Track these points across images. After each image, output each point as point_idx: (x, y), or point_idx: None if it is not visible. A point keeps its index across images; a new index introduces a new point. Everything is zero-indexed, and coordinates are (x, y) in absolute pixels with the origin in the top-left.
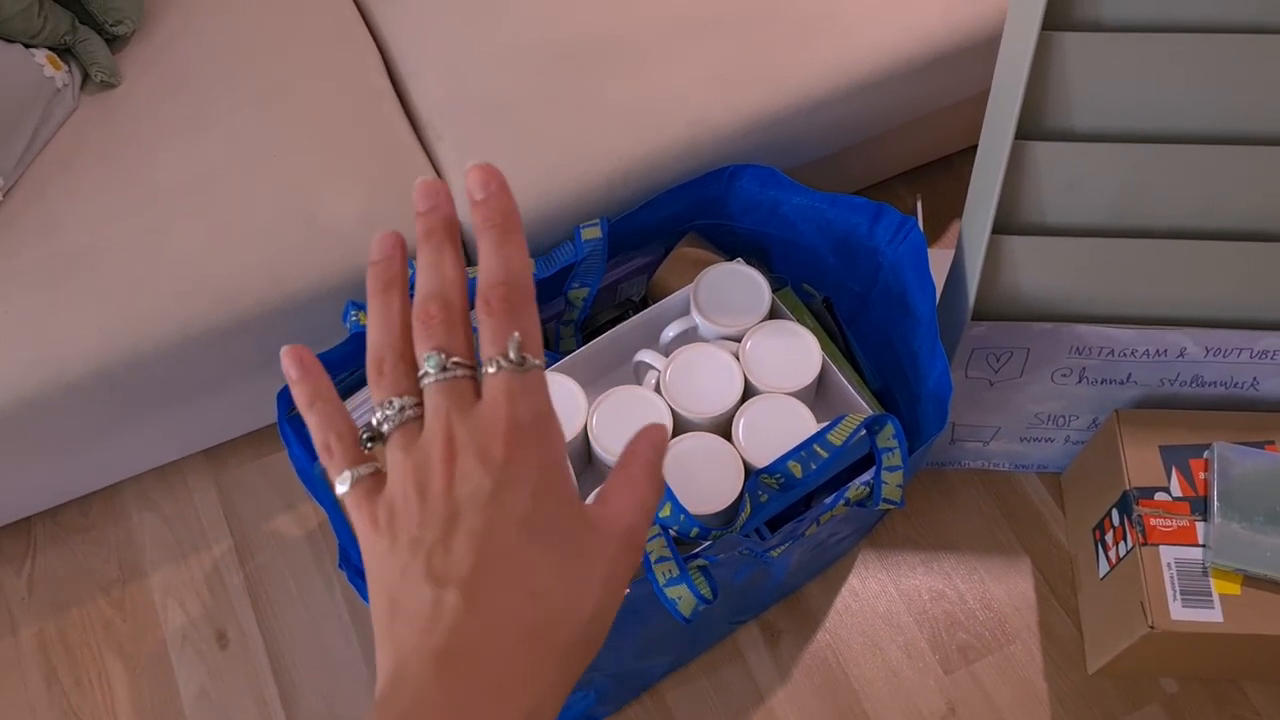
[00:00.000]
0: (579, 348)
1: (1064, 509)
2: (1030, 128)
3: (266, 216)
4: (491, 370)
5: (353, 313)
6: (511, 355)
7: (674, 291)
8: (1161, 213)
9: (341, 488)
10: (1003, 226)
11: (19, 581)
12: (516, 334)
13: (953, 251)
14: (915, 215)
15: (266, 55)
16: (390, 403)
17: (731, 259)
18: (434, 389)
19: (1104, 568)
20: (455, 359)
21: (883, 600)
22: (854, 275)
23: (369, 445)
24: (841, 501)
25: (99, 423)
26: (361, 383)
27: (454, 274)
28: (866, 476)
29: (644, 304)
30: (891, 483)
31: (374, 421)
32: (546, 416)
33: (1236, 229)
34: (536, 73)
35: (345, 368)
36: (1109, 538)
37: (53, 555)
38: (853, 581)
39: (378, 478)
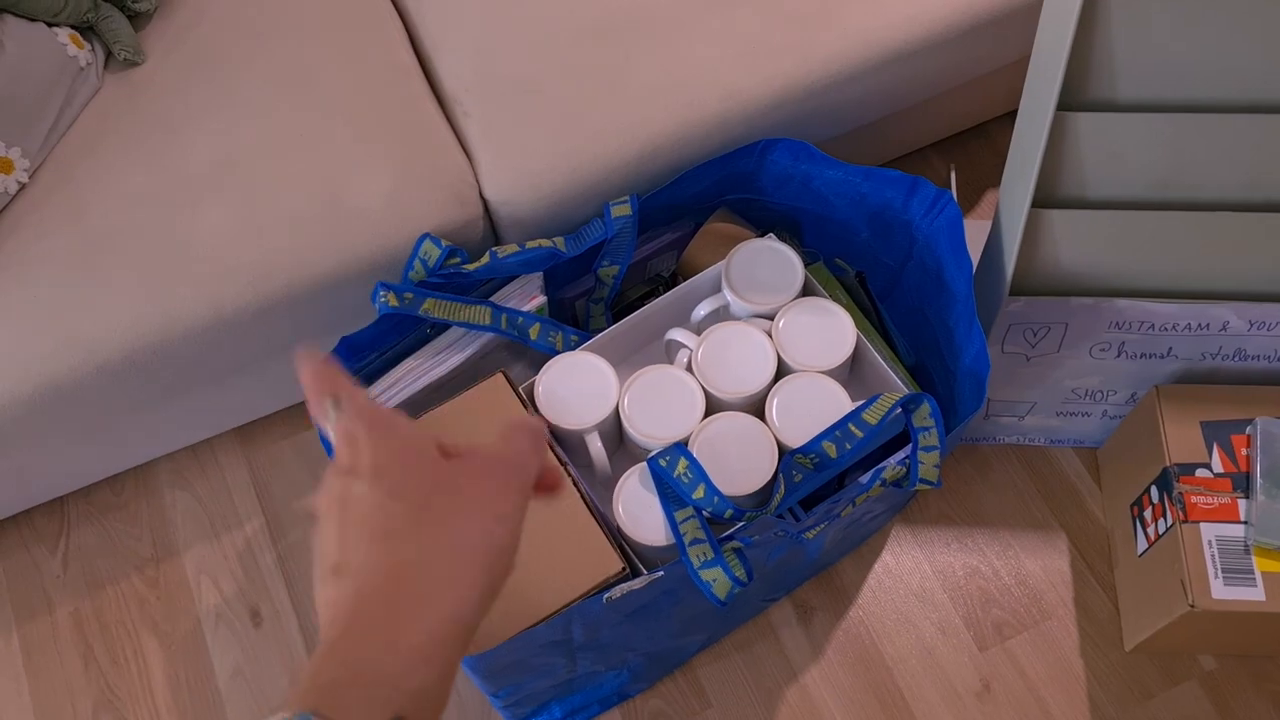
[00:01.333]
0: (609, 326)
1: (1100, 484)
2: (1072, 98)
3: (294, 199)
4: None
5: (381, 293)
6: None
7: (705, 268)
8: (1207, 184)
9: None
10: (1043, 200)
11: (54, 560)
12: None
13: (988, 223)
14: (949, 187)
15: (291, 32)
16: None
17: (763, 234)
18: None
19: (1142, 544)
20: None
21: (916, 577)
22: (888, 249)
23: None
24: (878, 482)
25: (130, 404)
26: (390, 364)
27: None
28: (902, 455)
29: (674, 280)
30: (928, 463)
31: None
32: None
33: None
34: (565, 48)
35: (375, 348)
36: (1148, 514)
37: (87, 534)
38: (886, 558)
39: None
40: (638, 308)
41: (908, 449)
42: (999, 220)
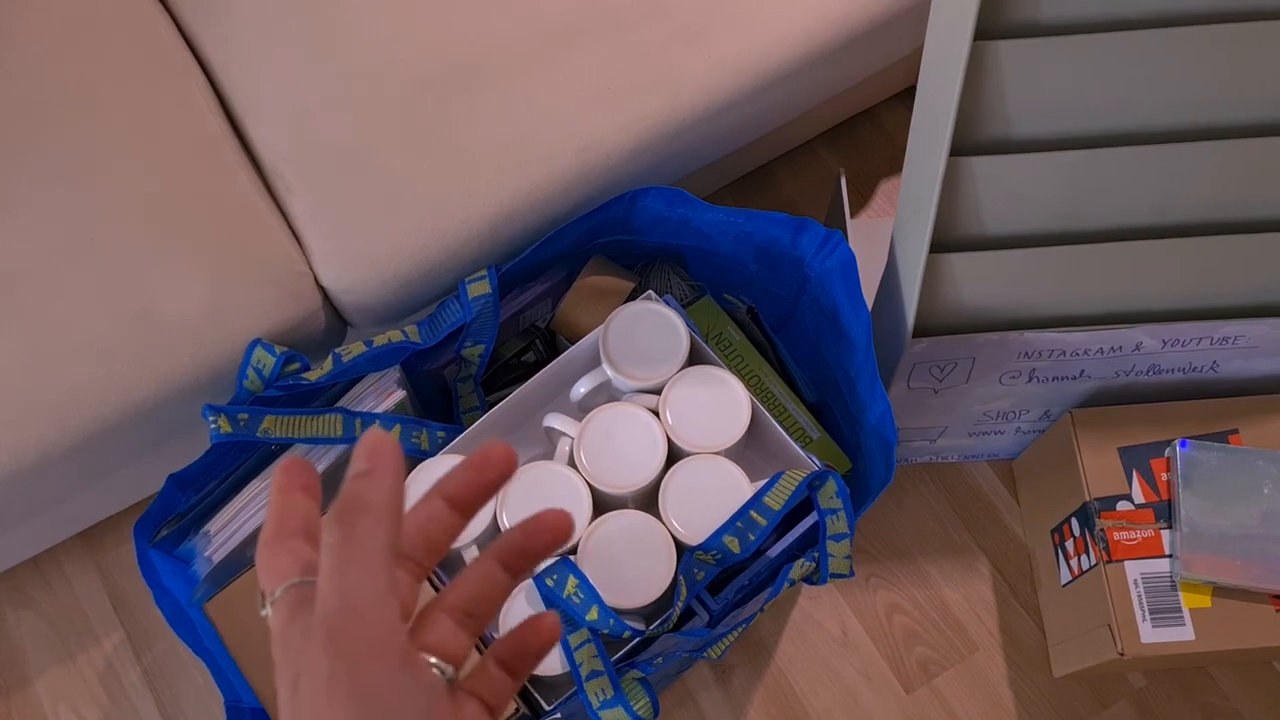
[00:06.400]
0: (481, 402)
1: (1018, 499)
2: (964, 142)
3: (93, 317)
4: None
5: (210, 418)
6: None
7: (581, 327)
8: (1112, 212)
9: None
10: (940, 244)
11: None
12: None
13: (887, 223)
14: (840, 187)
15: (76, 110)
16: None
17: (645, 269)
18: None
19: (1066, 575)
20: None
21: (835, 620)
22: (779, 283)
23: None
24: (786, 584)
25: None
26: (235, 489)
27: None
28: (809, 523)
29: (550, 334)
30: (839, 554)
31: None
32: None
33: (1191, 223)
34: (395, 105)
35: (213, 475)
36: (1069, 545)
37: None
38: (802, 604)
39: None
40: (513, 366)
41: (813, 517)
42: (895, 264)
